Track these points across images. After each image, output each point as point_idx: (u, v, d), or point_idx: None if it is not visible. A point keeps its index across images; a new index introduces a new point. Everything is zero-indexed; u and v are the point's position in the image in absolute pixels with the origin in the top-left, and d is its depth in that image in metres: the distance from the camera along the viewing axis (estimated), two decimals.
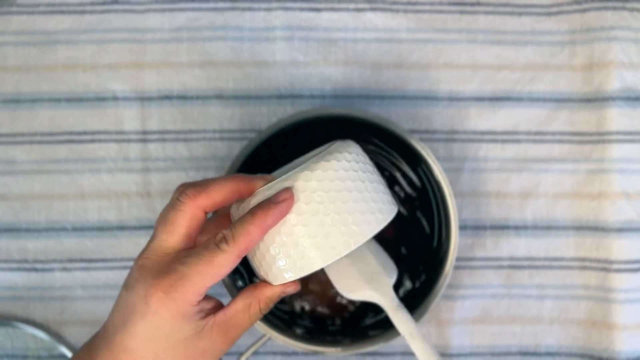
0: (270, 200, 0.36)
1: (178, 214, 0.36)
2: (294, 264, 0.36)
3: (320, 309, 0.53)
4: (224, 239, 0.35)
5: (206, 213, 0.37)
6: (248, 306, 0.37)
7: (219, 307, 0.38)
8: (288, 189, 0.36)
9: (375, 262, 0.42)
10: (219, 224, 0.41)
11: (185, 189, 0.37)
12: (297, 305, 0.53)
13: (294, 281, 0.38)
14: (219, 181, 0.37)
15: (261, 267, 0.38)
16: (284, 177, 0.37)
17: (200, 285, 0.35)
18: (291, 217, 0.36)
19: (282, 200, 0.36)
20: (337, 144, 0.39)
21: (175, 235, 0.36)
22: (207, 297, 0.37)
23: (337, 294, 0.49)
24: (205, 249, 0.35)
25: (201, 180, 0.38)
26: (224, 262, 0.35)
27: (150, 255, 0.36)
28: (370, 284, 0.41)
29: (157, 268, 0.36)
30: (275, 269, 0.37)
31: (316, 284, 0.52)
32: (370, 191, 0.37)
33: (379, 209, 0.37)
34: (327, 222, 0.36)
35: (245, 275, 0.52)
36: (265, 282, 0.38)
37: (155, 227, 0.37)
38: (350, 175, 0.37)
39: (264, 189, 0.37)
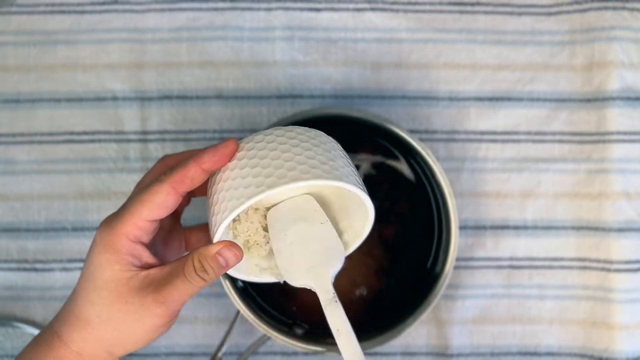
0: (213, 145, 0.37)
1: (148, 174, 0.40)
2: (224, 207, 0.36)
3: (320, 309, 0.53)
4: (164, 172, 0.37)
5: None
6: (183, 263, 0.37)
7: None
8: (233, 139, 0.37)
9: (320, 250, 0.40)
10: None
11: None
12: (298, 305, 0.53)
13: (234, 246, 0.36)
14: (193, 150, 0.40)
15: (211, 226, 0.37)
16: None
17: (135, 213, 0.36)
18: (231, 164, 0.37)
19: (223, 143, 0.37)
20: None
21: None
22: (152, 255, 0.37)
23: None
24: (147, 184, 0.37)
25: None
26: (158, 189, 0.36)
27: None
28: (309, 272, 0.39)
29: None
30: (213, 220, 0.37)
31: None
32: (320, 154, 0.37)
33: (323, 169, 0.36)
34: (261, 164, 0.36)
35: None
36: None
37: None
38: (301, 138, 0.37)
39: None
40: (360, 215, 0.41)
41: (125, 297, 0.36)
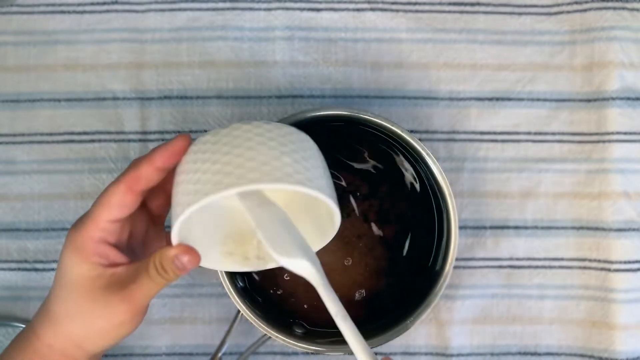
0: (166, 142, 0.38)
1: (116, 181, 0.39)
2: (179, 201, 0.35)
3: (320, 309, 0.53)
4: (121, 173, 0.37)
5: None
6: (147, 263, 0.37)
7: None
8: (185, 134, 0.37)
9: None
10: None
11: None
12: (297, 305, 0.53)
13: (191, 252, 0.36)
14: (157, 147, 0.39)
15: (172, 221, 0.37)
16: None
17: (96, 216, 0.37)
18: (189, 157, 0.36)
19: (174, 139, 0.37)
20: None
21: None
22: (121, 255, 0.38)
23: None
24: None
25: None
26: (115, 190, 0.37)
27: None
28: (304, 251, 0.35)
29: None
30: (172, 215, 0.36)
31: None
32: (285, 153, 0.35)
33: (285, 171, 0.34)
34: (222, 160, 0.34)
35: (245, 278, 0.52)
36: None
37: None
38: (268, 136, 0.35)
39: None
40: (327, 218, 0.40)
41: (92, 295, 0.37)
